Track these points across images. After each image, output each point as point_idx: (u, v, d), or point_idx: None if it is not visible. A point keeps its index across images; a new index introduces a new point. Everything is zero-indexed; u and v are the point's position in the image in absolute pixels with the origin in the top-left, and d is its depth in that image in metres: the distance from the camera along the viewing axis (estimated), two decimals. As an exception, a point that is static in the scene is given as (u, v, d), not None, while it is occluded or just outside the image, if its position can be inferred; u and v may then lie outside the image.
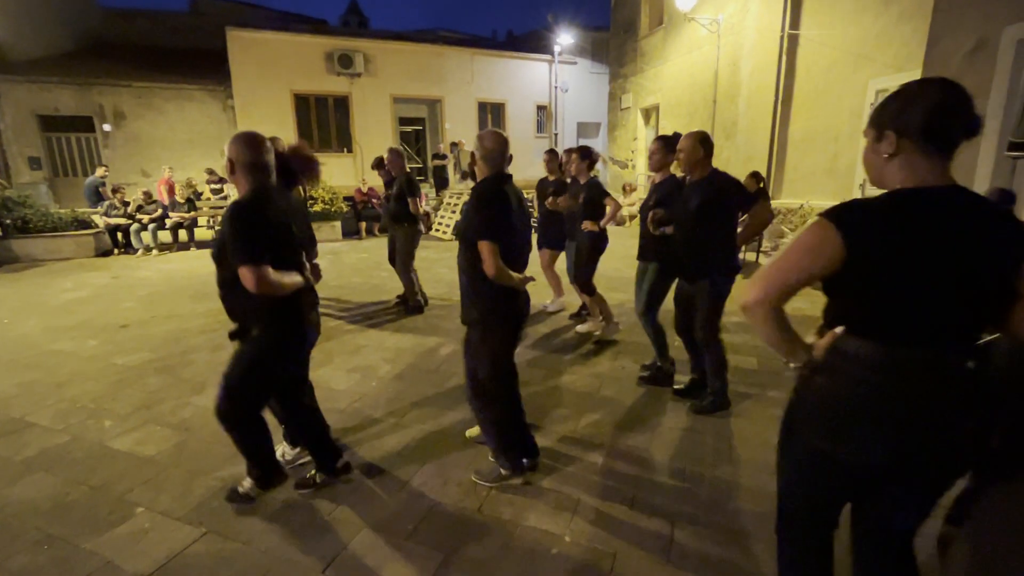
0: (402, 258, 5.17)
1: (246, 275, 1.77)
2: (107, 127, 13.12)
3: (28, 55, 12.93)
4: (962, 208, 1.09)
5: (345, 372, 3.72)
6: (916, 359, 1.11)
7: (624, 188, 12.19)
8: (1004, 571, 1.22)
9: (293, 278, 1.96)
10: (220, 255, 1.95)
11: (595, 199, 4.15)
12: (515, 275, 2.14)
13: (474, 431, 2.74)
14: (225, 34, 13.25)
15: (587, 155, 4.30)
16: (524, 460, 2.44)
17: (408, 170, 5.20)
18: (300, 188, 4.84)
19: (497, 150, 2.18)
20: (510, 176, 2.27)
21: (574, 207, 4.35)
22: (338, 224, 10.51)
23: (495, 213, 2.09)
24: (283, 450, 2.54)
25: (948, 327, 1.11)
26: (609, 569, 1.90)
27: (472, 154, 2.23)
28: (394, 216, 5.14)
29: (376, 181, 10.97)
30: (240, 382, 2.04)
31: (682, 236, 2.94)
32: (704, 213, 2.78)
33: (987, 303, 1.11)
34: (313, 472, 2.38)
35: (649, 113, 13.16)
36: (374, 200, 11.02)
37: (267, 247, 1.83)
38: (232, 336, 2.04)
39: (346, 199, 10.85)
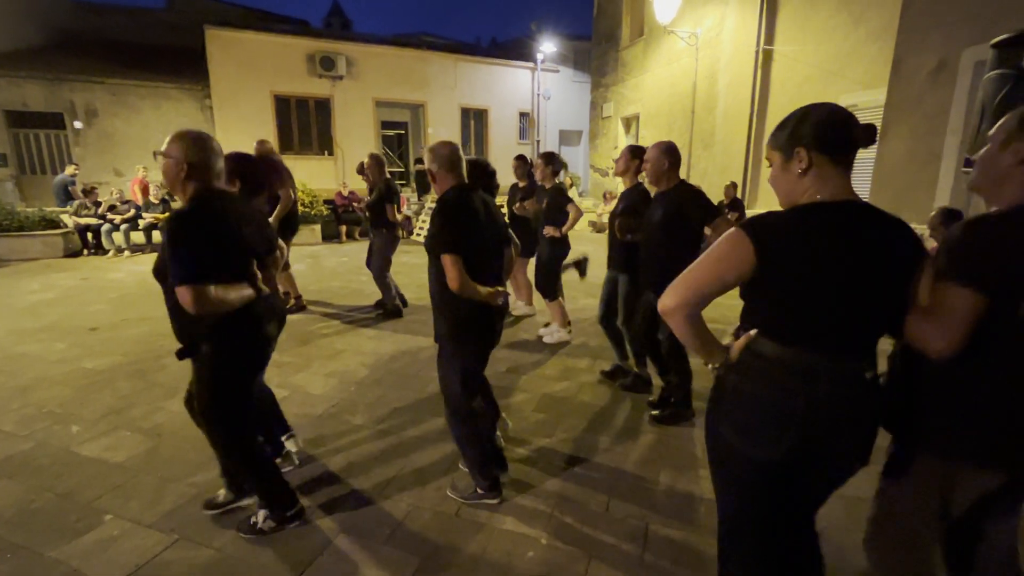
0: (378, 263, 5.20)
1: (184, 295, 1.64)
2: (78, 124, 12.74)
3: (-5, 48, 12.52)
4: (862, 220, 1.17)
5: (323, 377, 3.69)
6: (820, 364, 1.17)
7: (604, 196, 12.37)
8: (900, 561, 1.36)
9: (240, 292, 1.83)
10: (161, 271, 1.80)
11: (558, 204, 4.24)
12: (483, 289, 2.08)
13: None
14: (203, 32, 13.05)
15: (551, 161, 4.39)
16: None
17: (388, 176, 5.23)
18: (291, 192, 4.84)
19: (452, 157, 2.13)
20: (475, 186, 2.23)
21: (538, 212, 4.46)
22: (318, 227, 10.39)
23: (457, 225, 2.05)
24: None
25: (850, 334, 1.19)
26: (584, 571, 1.93)
27: (429, 171, 2.15)
28: (373, 221, 5.18)
29: (357, 185, 10.91)
30: (215, 409, 1.94)
31: (647, 247, 2.96)
32: (667, 225, 2.80)
33: (886, 311, 1.20)
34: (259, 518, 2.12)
35: (630, 122, 13.39)
36: (355, 204, 10.94)
37: (208, 263, 1.70)
38: (180, 355, 1.88)
39: (326, 202, 10.74)
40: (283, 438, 2.59)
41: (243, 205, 2.03)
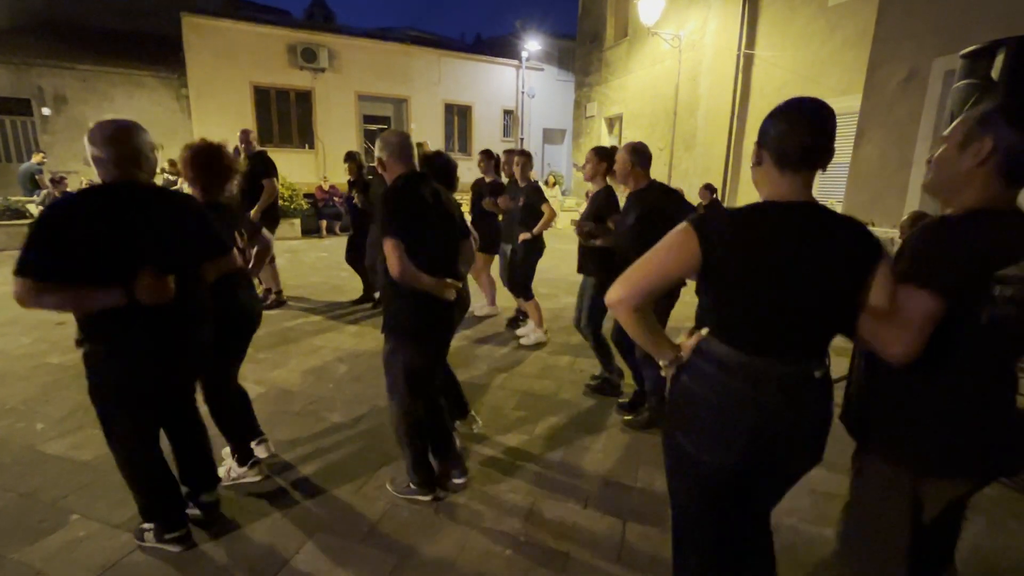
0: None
1: (14, 285, 1.51)
2: (46, 111, 12.30)
3: (-43, 30, 11.99)
4: (810, 221, 1.15)
5: (300, 374, 3.63)
6: (768, 368, 1.16)
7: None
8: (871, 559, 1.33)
9: (83, 298, 1.62)
10: None
11: (533, 203, 4.24)
12: (427, 278, 2.02)
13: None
14: (180, 19, 12.70)
15: (528, 158, 4.40)
16: (455, 478, 2.39)
17: None
18: (275, 183, 4.69)
19: (401, 143, 2.10)
20: (425, 175, 2.19)
21: (512, 209, 4.44)
22: (297, 222, 10.23)
23: (400, 210, 2.00)
24: (229, 466, 2.41)
25: (798, 336, 1.17)
26: (562, 568, 1.94)
27: (379, 159, 2.12)
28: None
29: (338, 179, 10.75)
30: (102, 414, 1.81)
31: (622, 251, 2.79)
32: (642, 227, 2.64)
33: (836, 314, 1.18)
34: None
35: (613, 122, 13.47)
36: (336, 198, 10.79)
37: (46, 259, 1.54)
38: (77, 343, 1.76)
39: (306, 196, 10.58)
40: (253, 443, 2.50)
41: (167, 203, 1.82)
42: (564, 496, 2.37)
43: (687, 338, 1.28)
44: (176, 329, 1.82)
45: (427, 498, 2.29)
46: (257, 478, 2.40)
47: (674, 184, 9.76)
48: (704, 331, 1.23)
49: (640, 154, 2.78)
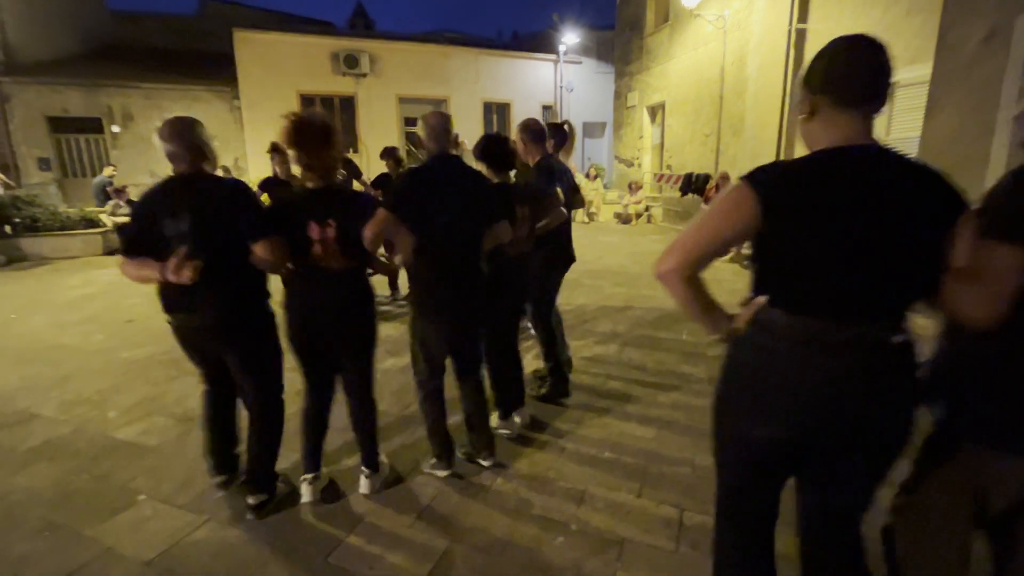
0: None
1: None
2: (116, 128, 13.23)
3: (37, 57, 13.04)
4: (885, 169, 1.01)
5: (349, 365, 3.69)
6: (838, 334, 1.03)
7: (630, 186, 12.14)
8: (927, 556, 1.23)
9: (142, 270, 1.89)
10: None
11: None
12: (405, 238, 2.04)
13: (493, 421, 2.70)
14: (232, 36, 13.35)
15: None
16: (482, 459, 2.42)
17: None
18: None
19: (438, 127, 2.18)
20: (456, 157, 2.26)
21: None
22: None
23: (407, 188, 2.16)
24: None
25: (871, 297, 1.03)
26: (616, 558, 1.86)
27: (418, 136, 2.24)
28: None
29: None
30: None
31: None
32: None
33: (916, 273, 1.03)
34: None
35: (655, 111, 13.11)
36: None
37: (127, 237, 1.98)
38: None
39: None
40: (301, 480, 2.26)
41: (208, 190, 1.95)
42: (617, 483, 2.28)
43: (742, 308, 1.16)
44: (209, 309, 1.95)
45: (443, 474, 2.34)
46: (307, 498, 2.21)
47: (721, 169, 9.37)
48: (762, 299, 1.11)
49: (530, 131, 2.92)
